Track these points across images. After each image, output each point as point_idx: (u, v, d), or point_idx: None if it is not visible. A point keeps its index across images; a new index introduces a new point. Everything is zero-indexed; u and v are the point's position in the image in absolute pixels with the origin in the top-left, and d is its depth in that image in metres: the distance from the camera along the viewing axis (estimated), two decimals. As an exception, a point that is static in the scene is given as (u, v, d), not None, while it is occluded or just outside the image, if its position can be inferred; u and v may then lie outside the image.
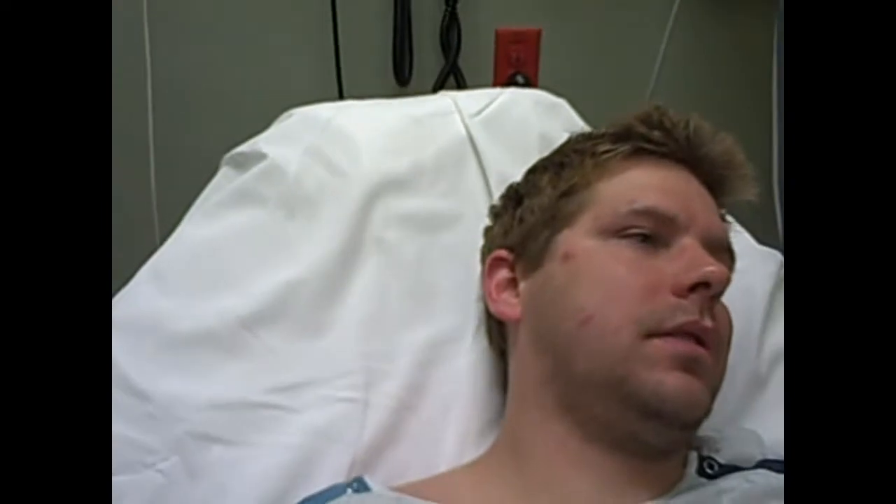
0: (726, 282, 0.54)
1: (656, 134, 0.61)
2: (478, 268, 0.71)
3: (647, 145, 0.61)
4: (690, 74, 1.32)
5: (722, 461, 0.57)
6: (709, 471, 0.56)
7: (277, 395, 0.63)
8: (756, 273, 0.74)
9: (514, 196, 0.67)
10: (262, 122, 0.81)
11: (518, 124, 0.78)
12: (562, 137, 0.77)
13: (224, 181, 0.77)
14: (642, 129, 0.61)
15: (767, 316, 0.74)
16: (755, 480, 0.54)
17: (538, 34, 1.26)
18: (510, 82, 1.25)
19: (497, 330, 0.66)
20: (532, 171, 0.68)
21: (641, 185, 0.59)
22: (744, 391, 0.68)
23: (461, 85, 1.24)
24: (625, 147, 0.61)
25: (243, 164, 0.76)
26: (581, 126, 0.81)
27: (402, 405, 0.64)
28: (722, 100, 1.27)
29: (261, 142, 0.77)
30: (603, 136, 0.64)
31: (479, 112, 0.79)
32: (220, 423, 0.61)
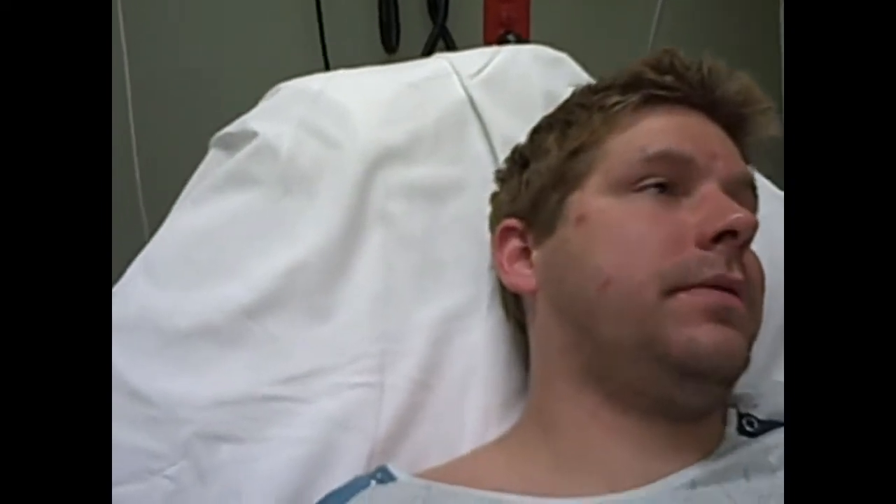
0: (754, 228, 0.50)
1: (668, 79, 0.57)
2: (487, 235, 0.67)
3: (659, 92, 0.57)
4: (694, 21, 1.27)
5: (761, 417, 0.54)
6: (749, 428, 0.54)
7: (287, 385, 0.60)
8: (778, 220, 0.70)
9: (520, 159, 0.63)
10: (248, 100, 0.77)
11: (520, 82, 0.74)
12: (567, 93, 0.73)
13: (213, 164, 0.72)
14: (652, 75, 0.57)
15: None
16: None
17: (528, -9, 1.21)
18: (501, 42, 1.20)
19: (513, 302, 0.62)
20: (536, 131, 0.64)
21: (653, 131, 0.55)
22: (773, 344, 0.65)
23: (451, 49, 1.19)
24: (635, 96, 0.57)
25: (233, 144, 0.72)
26: (586, 80, 0.77)
27: (418, 386, 0.61)
28: (727, 47, 1.22)
29: (250, 119, 0.72)
30: (610, 87, 0.59)
31: (478, 72, 0.74)
32: (228, 421, 0.58)
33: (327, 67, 1.12)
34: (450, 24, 1.18)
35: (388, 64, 0.82)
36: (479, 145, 0.71)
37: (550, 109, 0.70)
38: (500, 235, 0.61)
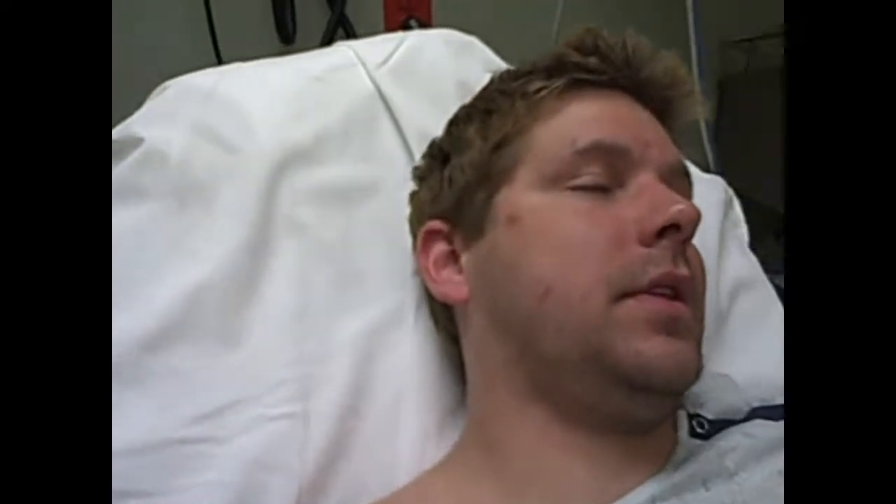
0: (698, 220, 0.47)
1: (593, 61, 0.53)
2: (409, 239, 0.62)
3: (584, 75, 0.53)
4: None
5: (710, 416, 0.52)
6: (700, 430, 0.51)
7: (197, 426, 0.53)
8: (704, 203, 0.68)
9: (439, 154, 0.58)
10: (131, 102, 0.68)
11: (431, 70, 0.69)
12: (482, 80, 0.68)
13: (94, 176, 0.64)
14: (576, 57, 0.53)
15: (721, 247, 0.69)
16: (755, 434, 0.49)
17: (428, -27, 1.16)
18: (404, 29, 1.15)
19: (443, 312, 0.57)
20: (454, 123, 0.59)
21: (582, 119, 0.52)
22: (709, 331, 0.63)
23: (352, 36, 1.12)
24: (559, 81, 0.53)
25: (117, 152, 0.63)
26: (499, 65, 0.73)
27: (347, 411, 0.56)
28: (635, 24, 1.21)
29: (134, 123, 0.64)
30: (532, 71, 0.55)
31: (385, 61, 0.69)
32: (135, 473, 0.50)
33: (219, 62, 1.04)
34: (349, 11, 1.12)
35: (285, 54, 0.75)
36: (392, 141, 0.66)
37: (466, 98, 0.66)
38: (424, 239, 0.56)
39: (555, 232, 0.49)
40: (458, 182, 0.55)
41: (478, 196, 0.53)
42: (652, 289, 0.46)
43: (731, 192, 0.76)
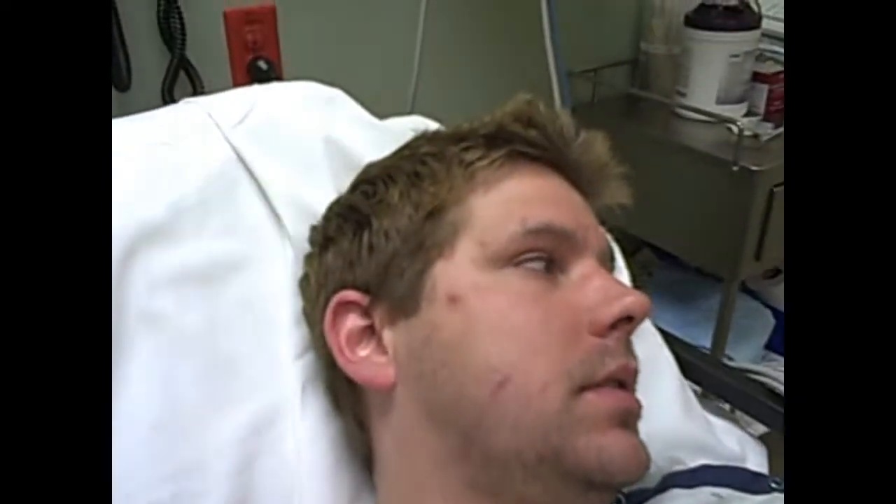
0: (649, 310, 0.46)
1: (533, 134, 0.50)
2: (283, 317, 0.57)
3: (525, 148, 0.51)
4: (458, 28, 1.24)
5: (625, 490, 0.50)
6: None
7: None
8: None
9: (354, 215, 0.53)
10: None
11: (294, 129, 0.63)
12: (349, 136, 0.64)
13: None
14: (518, 128, 0.51)
15: None
16: None
17: (273, 11, 1.09)
18: (252, 70, 1.08)
19: (349, 393, 0.52)
20: (370, 182, 0.54)
21: (527, 198, 0.49)
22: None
23: (195, 81, 1.04)
24: (500, 152, 0.50)
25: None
26: (367, 119, 0.69)
27: None
28: (495, 65, 1.21)
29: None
30: (469, 137, 0.52)
31: (242, 120, 0.63)
32: None
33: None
34: (189, 53, 1.03)
35: (123, 105, 0.67)
36: (257, 209, 0.60)
37: (337, 159, 0.62)
38: (335, 311, 0.50)
39: (507, 317, 0.45)
40: (381, 250, 0.50)
41: (408, 268, 0.48)
42: (606, 382, 0.44)
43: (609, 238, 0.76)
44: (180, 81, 1.02)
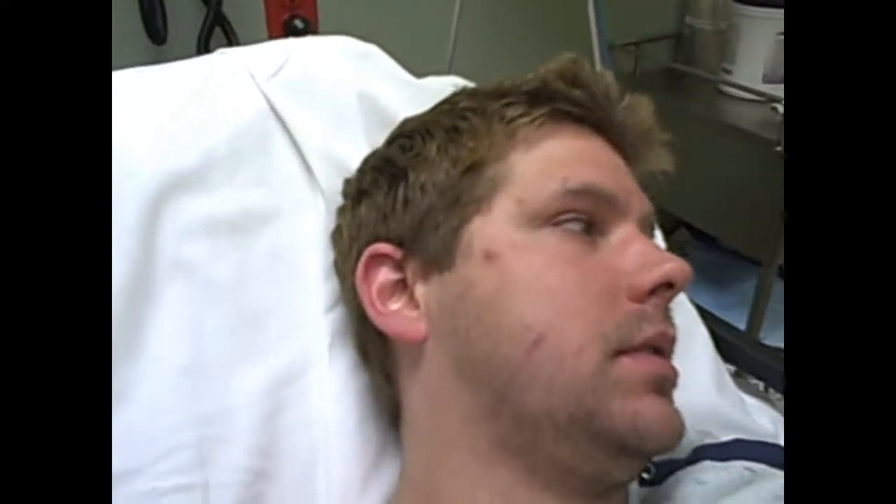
0: (689, 277, 0.44)
1: (577, 93, 0.49)
2: (313, 270, 0.56)
3: (568, 107, 0.49)
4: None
5: (655, 459, 0.49)
6: (646, 476, 0.48)
7: None
8: None
9: (390, 168, 0.51)
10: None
11: (329, 83, 0.62)
12: (386, 91, 0.63)
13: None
14: (561, 85, 0.49)
15: None
16: (706, 480, 0.46)
17: (312, -31, 1.08)
18: (288, 28, 1.07)
19: (378, 346, 0.51)
20: (407, 136, 0.52)
21: (569, 158, 0.47)
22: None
23: (231, 37, 1.04)
24: (542, 110, 0.48)
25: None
26: (402, 76, 0.67)
27: (254, 475, 0.49)
28: (536, 30, 1.19)
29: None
30: (512, 93, 0.50)
31: (277, 72, 0.62)
32: None
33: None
34: (226, 9, 1.03)
35: (160, 60, 0.66)
36: (289, 162, 0.59)
37: (372, 114, 0.61)
38: (368, 263, 0.49)
39: (544, 276, 0.44)
40: (416, 204, 0.48)
41: (444, 223, 0.47)
42: (643, 347, 0.43)
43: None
44: (216, 38, 1.02)
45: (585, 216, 0.45)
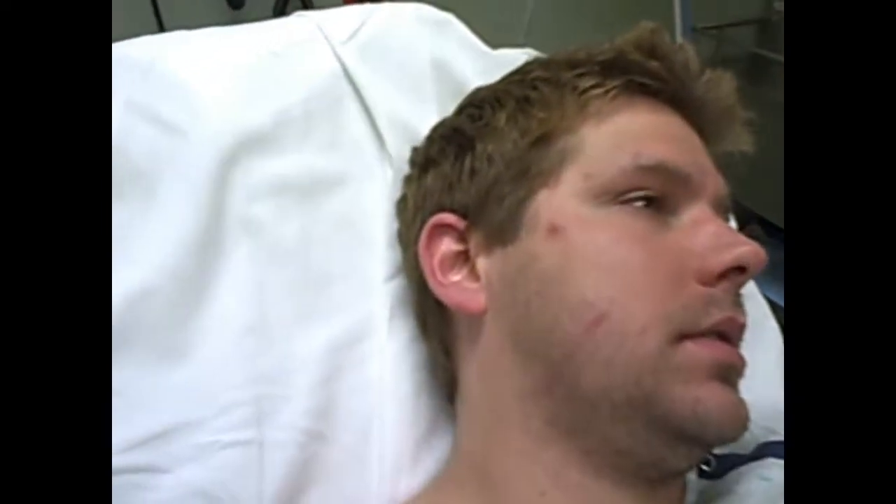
0: (764, 262, 0.43)
1: (654, 65, 0.47)
2: (379, 237, 0.56)
3: (644, 80, 0.47)
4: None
5: (717, 452, 0.47)
6: (707, 468, 0.47)
7: (137, 452, 0.46)
8: None
9: (458, 138, 0.51)
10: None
11: (403, 49, 0.61)
12: (459, 61, 0.62)
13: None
14: (637, 56, 0.47)
15: None
16: (771, 477, 0.45)
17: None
18: (363, -2, 1.07)
19: (437, 318, 0.51)
20: (476, 105, 0.52)
21: (642, 133, 0.46)
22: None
23: (307, 4, 1.04)
24: (616, 81, 0.47)
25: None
26: (478, 46, 0.66)
27: (308, 437, 0.49)
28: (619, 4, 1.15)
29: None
30: (586, 63, 0.49)
31: (352, 36, 0.61)
32: None
33: (161, 27, 0.94)
34: (304, -24, 1.03)
35: (235, 21, 0.67)
36: (360, 127, 0.59)
37: (443, 82, 0.60)
38: (431, 233, 0.49)
39: (609, 252, 0.43)
40: (483, 174, 0.48)
41: (510, 194, 0.46)
42: (709, 332, 0.41)
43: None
44: (292, 5, 1.02)
45: (656, 194, 0.44)
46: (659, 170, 0.44)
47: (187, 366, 0.49)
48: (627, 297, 0.41)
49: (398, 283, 0.55)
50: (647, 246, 0.43)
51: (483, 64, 0.63)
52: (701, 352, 0.41)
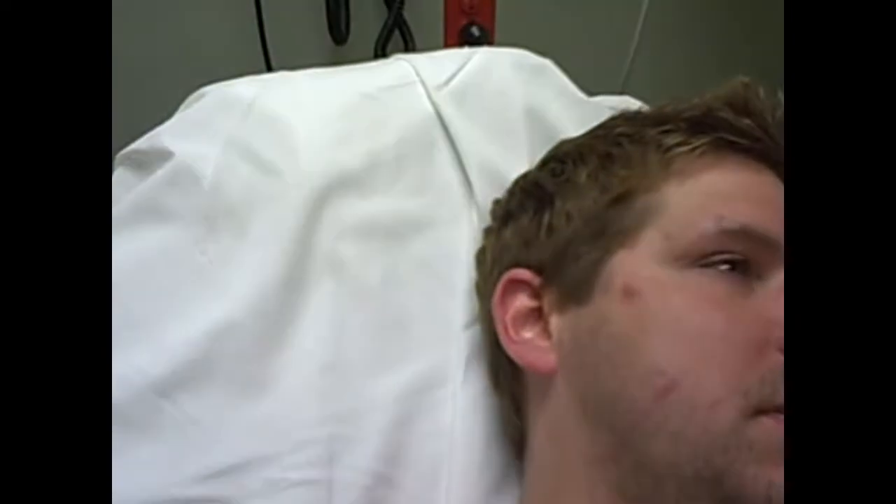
0: None
1: (745, 123, 0.46)
2: (460, 283, 0.55)
3: (734, 137, 0.46)
4: (688, 12, 1.16)
5: None
6: None
7: (210, 483, 0.47)
8: None
9: (537, 192, 0.51)
10: (168, 105, 0.63)
11: (497, 96, 0.62)
12: (554, 109, 0.62)
13: (119, 188, 0.58)
14: (727, 114, 0.46)
15: None
16: None
17: (493, -23, 1.09)
18: (464, 34, 1.08)
19: (509, 374, 0.50)
20: (559, 160, 0.51)
21: (728, 194, 0.44)
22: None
23: (408, 40, 1.06)
24: (704, 139, 0.46)
25: (144, 164, 0.58)
26: (573, 92, 0.66)
27: (378, 480, 0.49)
28: (721, 48, 1.13)
29: (164, 134, 0.58)
30: (672, 120, 0.48)
31: (448, 81, 0.62)
32: None
33: (266, 59, 0.98)
34: (406, 13, 1.05)
35: (337, 56, 0.69)
36: (450, 172, 0.59)
37: (535, 130, 0.60)
38: (506, 288, 0.49)
39: (685, 318, 0.41)
40: (561, 231, 0.48)
41: (586, 254, 0.46)
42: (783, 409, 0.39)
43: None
44: (394, 40, 1.04)
45: (741, 257, 0.42)
46: (743, 234, 0.42)
47: (265, 400, 0.50)
48: (701, 366, 0.40)
49: (477, 331, 0.54)
50: (727, 311, 0.41)
51: (579, 111, 0.62)
52: (778, 429, 0.38)
